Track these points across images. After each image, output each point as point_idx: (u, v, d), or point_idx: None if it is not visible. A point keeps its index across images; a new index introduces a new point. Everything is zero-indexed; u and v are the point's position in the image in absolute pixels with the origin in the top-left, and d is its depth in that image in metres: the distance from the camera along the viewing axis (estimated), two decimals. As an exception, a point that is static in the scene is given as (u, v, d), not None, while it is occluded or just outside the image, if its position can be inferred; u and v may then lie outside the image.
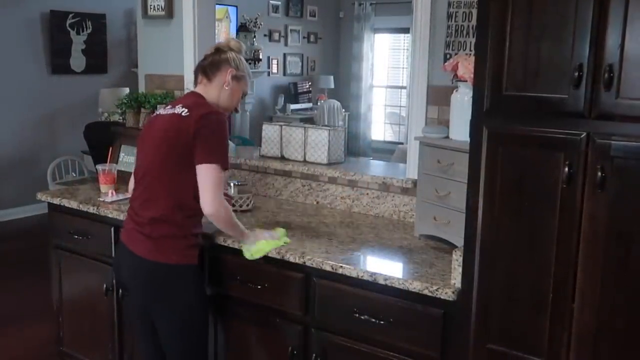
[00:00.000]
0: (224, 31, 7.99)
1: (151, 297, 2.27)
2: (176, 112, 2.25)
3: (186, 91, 3.35)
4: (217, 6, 7.74)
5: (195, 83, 2.42)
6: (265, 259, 2.30)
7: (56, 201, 3.02)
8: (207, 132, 2.18)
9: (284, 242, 2.34)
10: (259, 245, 2.29)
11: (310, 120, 8.72)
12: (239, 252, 2.35)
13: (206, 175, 2.17)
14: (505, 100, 1.76)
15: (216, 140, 2.21)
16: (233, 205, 2.70)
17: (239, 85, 2.40)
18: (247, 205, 2.85)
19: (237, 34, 8.22)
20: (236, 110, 2.53)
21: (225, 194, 2.39)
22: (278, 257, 2.27)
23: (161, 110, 2.37)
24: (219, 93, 2.36)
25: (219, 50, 2.40)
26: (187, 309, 2.26)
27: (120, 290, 2.81)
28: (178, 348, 2.29)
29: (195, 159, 2.18)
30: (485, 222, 1.82)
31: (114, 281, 2.82)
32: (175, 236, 2.22)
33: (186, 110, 2.23)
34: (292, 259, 2.24)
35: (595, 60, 1.60)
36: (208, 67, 2.37)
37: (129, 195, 3.02)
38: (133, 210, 2.33)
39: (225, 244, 2.40)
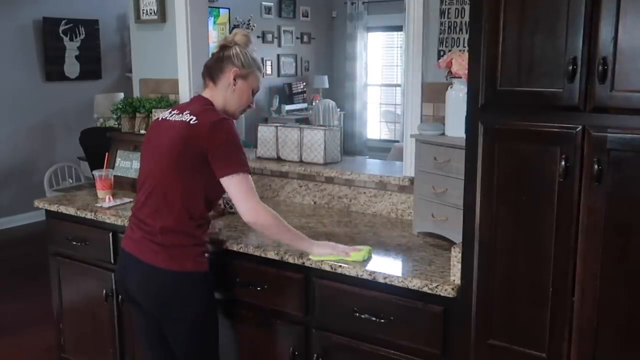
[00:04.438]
0: (220, 34, 8.01)
1: (165, 306, 2.19)
2: (184, 119, 2.17)
3: (191, 94, 3.39)
4: (221, 11, 7.82)
5: (204, 86, 2.32)
6: (265, 260, 2.30)
7: (54, 208, 3.01)
8: (221, 142, 2.11)
9: (356, 259, 2.17)
10: (326, 257, 2.19)
11: (305, 121, 8.73)
12: (239, 255, 2.35)
13: (236, 186, 2.11)
14: (500, 96, 1.76)
15: (232, 148, 2.13)
16: (230, 208, 2.69)
17: (247, 82, 2.27)
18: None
19: (230, 36, 8.22)
20: (250, 107, 2.35)
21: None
22: (277, 258, 2.27)
23: (166, 115, 2.28)
24: (225, 95, 2.26)
25: (223, 47, 2.28)
26: (199, 314, 2.21)
27: (122, 301, 2.81)
28: (192, 353, 2.25)
29: (217, 172, 2.11)
30: (483, 217, 1.83)
31: (116, 292, 2.81)
32: (188, 245, 2.17)
33: (194, 117, 2.15)
34: (291, 260, 2.24)
35: (589, 54, 1.60)
36: (212, 68, 2.27)
37: (127, 200, 3.05)
38: (138, 219, 2.23)
39: (227, 247, 2.40)
